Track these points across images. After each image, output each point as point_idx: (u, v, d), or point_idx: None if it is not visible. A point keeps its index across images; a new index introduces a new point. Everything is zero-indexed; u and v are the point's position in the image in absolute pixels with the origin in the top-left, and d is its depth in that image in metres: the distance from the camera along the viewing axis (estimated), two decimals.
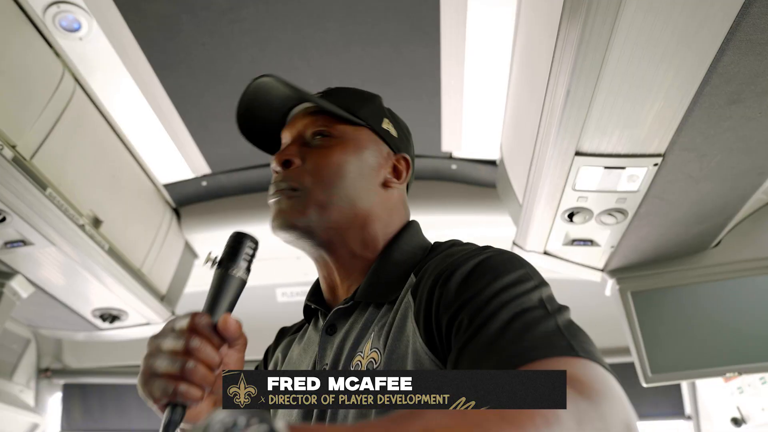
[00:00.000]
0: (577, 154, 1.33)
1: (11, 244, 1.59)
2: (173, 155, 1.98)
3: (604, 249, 1.74)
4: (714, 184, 1.45)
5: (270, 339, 1.09)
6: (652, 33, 1.03)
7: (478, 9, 1.50)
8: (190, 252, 2.34)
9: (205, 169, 2.08)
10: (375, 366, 0.77)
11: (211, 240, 2.30)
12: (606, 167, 1.37)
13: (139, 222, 2.00)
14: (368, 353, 0.79)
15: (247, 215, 2.14)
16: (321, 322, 0.93)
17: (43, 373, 2.69)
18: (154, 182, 2.07)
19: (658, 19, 1.00)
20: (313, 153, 0.91)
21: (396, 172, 0.97)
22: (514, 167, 1.77)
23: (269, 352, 1.07)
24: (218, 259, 0.80)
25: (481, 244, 0.84)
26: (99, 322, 2.14)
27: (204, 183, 2.14)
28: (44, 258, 1.68)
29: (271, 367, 1.03)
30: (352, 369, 0.80)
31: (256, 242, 0.81)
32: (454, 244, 0.89)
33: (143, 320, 2.17)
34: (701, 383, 2.50)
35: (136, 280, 1.93)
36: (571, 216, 1.57)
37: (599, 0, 0.98)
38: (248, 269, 0.80)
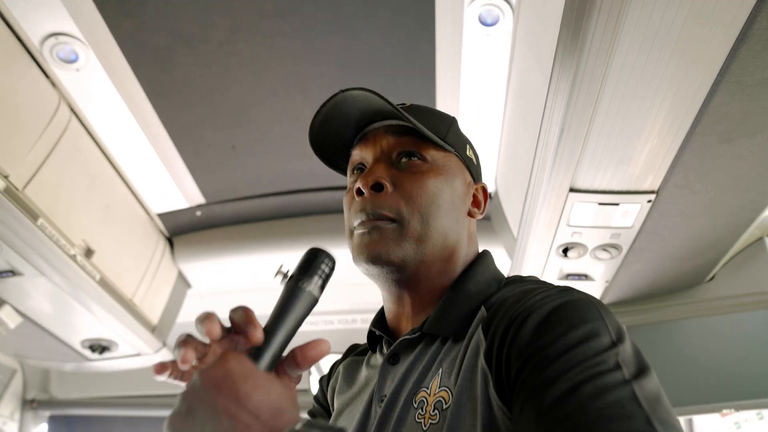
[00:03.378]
0: (572, 190, 1.34)
1: (0, 273, 1.57)
2: (168, 185, 1.98)
3: (599, 284, 1.74)
4: (707, 219, 1.46)
5: None
6: (645, 72, 1.05)
7: (473, 44, 1.53)
8: (183, 282, 2.31)
9: (199, 199, 2.08)
10: (444, 406, 0.71)
11: (204, 270, 2.28)
12: (600, 203, 1.38)
13: (131, 251, 1.98)
14: (436, 390, 0.74)
15: (241, 245, 2.13)
16: (384, 351, 0.88)
17: (29, 404, 2.63)
18: (147, 212, 2.06)
19: (651, 59, 1.02)
20: (405, 178, 0.85)
21: (476, 202, 0.94)
22: (508, 200, 1.77)
23: (333, 369, 1.03)
24: (290, 272, 0.73)
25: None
26: (88, 353, 2.11)
27: (198, 213, 2.13)
28: (33, 288, 1.66)
29: (329, 388, 1.00)
30: (414, 404, 0.75)
31: (333, 261, 0.75)
32: (535, 280, 0.84)
33: (133, 351, 2.13)
34: (698, 419, 2.47)
35: (126, 310, 1.91)
36: (565, 251, 1.57)
37: (593, 39, 0.99)
38: (322, 288, 0.74)
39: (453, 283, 0.85)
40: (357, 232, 0.85)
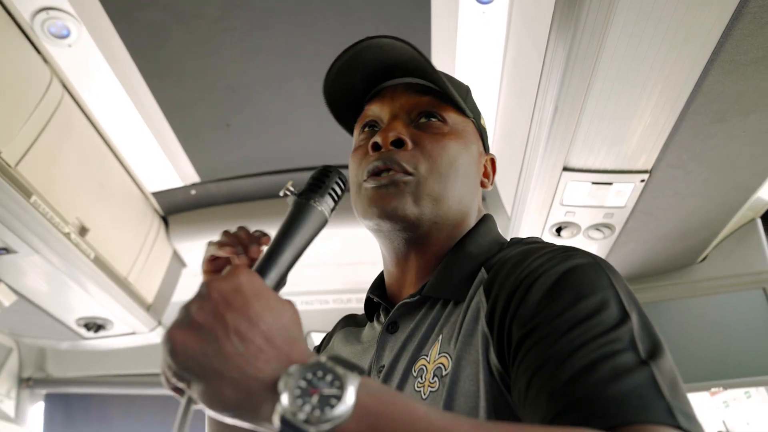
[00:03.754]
0: (565, 169, 1.34)
1: None
2: (162, 163, 1.97)
3: None
4: (700, 200, 1.47)
5: None
6: (638, 52, 1.04)
7: (468, 22, 1.51)
8: (178, 261, 2.32)
9: (194, 177, 2.07)
10: (444, 373, 0.68)
11: (199, 249, 2.27)
12: (593, 183, 1.38)
13: (126, 230, 1.98)
14: (436, 357, 0.71)
15: (236, 224, 2.11)
16: (382, 320, 0.85)
17: (25, 382, 2.65)
18: (142, 190, 2.06)
19: (643, 40, 1.02)
20: (425, 137, 0.81)
21: (485, 173, 0.92)
22: (502, 180, 1.78)
23: (325, 340, 1.00)
24: (299, 190, 0.68)
25: None
26: (83, 331, 2.12)
27: (193, 191, 2.12)
28: (28, 266, 1.66)
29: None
30: (414, 373, 0.72)
31: (345, 182, 0.70)
32: (535, 240, 0.80)
33: (128, 329, 2.14)
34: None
35: (122, 289, 1.91)
36: (559, 230, 1.57)
37: (586, 19, 0.99)
38: (332, 209, 0.69)
39: (455, 245, 0.82)
40: (368, 185, 0.80)
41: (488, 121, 1.78)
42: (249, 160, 2.02)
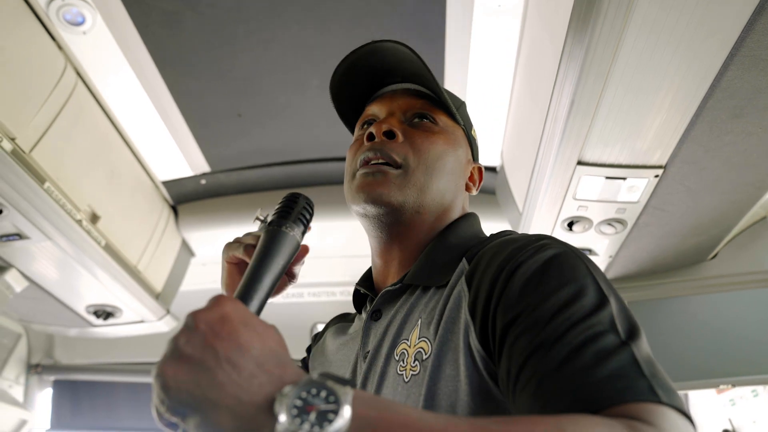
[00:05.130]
0: (579, 163, 1.34)
1: (7, 237, 1.57)
2: (173, 152, 1.97)
3: (603, 258, 1.74)
4: (713, 196, 1.46)
5: None
6: (657, 47, 1.04)
7: (484, 16, 1.51)
8: (186, 250, 2.32)
9: (204, 167, 2.07)
10: (424, 357, 0.71)
11: (208, 239, 2.29)
12: (607, 177, 1.38)
13: (136, 219, 1.98)
14: (416, 342, 0.74)
15: (245, 215, 2.13)
16: (368, 309, 0.90)
17: (34, 368, 2.67)
18: (153, 179, 2.06)
19: (663, 34, 1.01)
20: (416, 133, 0.88)
21: (471, 179, 0.98)
22: (514, 174, 1.77)
23: (318, 337, 1.05)
24: (268, 217, 0.72)
25: None
26: (92, 319, 2.13)
27: (203, 181, 2.13)
28: (40, 252, 1.67)
29: (312, 353, 1.02)
30: (396, 357, 0.76)
31: (312, 206, 0.74)
32: (510, 231, 0.85)
33: (137, 318, 2.15)
34: (694, 394, 2.51)
35: (131, 277, 1.92)
36: (570, 225, 1.57)
37: (606, 15, 0.98)
38: (303, 233, 0.72)
39: (436, 235, 0.87)
40: (360, 172, 0.86)
41: (500, 115, 1.78)
42: (259, 151, 2.03)
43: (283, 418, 0.46)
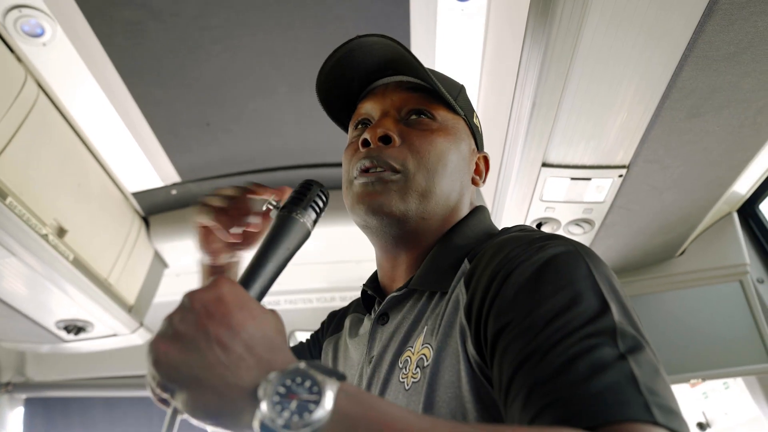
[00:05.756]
0: (544, 165, 1.35)
1: None
2: (142, 163, 1.95)
3: None
4: (677, 194, 1.49)
5: None
6: (613, 49, 1.06)
7: (447, 19, 1.52)
8: (159, 261, 2.29)
9: (174, 177, 2.05)
10: (425, 363, 0.68)
11: (181, 249, 2.26)
12: (572, 178, 1.40)
13: (106, 231, 1.95)
14: (419, 349, 0.72)
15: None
16: (376, 311, 0.87)
17: (4, 387, 2.61)
18: (122, 191, 2.03)
19: (619, 36, 1.03)
20: (413, 134, 0.82)
21: (478, 171, 0.93)
22: None
23: (318, 336, 1.03)
24: (281, 203, 0.71)
25: None
26: (63, 334, 2.09)
27: (173, 191, 2.11)
28: (5, 269, 1.63)
29: (322, 356, 0.99)
30: (400, 365, 0.73)
31: (327, 194, 0.72)
32: (520, 228, 0.79)
33: (110, 331, 2.11)
34: None
35: (102, 290, 1.89)
36: (539, 226, 1.59)
37: (561, 16, 1.00)
38: (315, 222, 0.71)
39: (442, 237, 0.83)
40: (358, 181, 0.82)
41: None
42: (230, 160, 2.01)
43: (264, 404, 0.46)
